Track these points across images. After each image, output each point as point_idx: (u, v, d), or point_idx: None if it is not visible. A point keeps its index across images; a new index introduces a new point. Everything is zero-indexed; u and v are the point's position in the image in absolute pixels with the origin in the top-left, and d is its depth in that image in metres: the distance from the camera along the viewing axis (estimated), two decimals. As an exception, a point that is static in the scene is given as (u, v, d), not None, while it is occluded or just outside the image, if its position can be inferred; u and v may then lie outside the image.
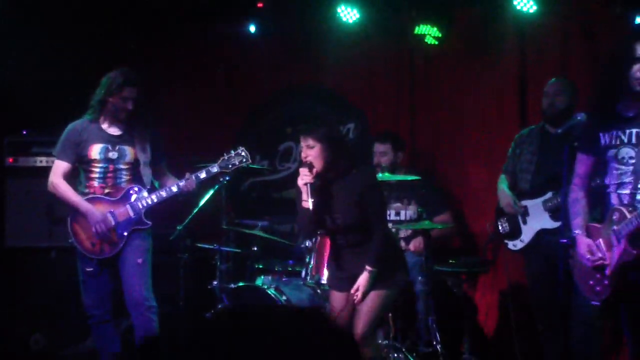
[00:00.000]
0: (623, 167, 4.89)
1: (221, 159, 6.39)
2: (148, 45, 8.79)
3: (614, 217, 4.85)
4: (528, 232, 6.54)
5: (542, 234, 6.43)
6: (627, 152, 4.88)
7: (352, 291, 5.56)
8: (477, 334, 7.79)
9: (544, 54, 7.68)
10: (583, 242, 4.99)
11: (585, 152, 5.09)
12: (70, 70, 7.90)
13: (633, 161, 4.84)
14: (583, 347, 6.18)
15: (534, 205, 6.50)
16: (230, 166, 6.39)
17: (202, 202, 6.87)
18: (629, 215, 4.77)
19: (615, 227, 4.82)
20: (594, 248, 4.94)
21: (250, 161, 6.47)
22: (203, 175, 6.37)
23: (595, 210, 5.16)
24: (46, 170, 6.57)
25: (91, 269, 6.27)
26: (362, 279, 5.53)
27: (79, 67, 7.92)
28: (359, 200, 5.56)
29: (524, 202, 6.56)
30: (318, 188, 5.62)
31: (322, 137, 5.57)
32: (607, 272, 4.86)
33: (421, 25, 7.86)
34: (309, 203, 5.55)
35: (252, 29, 8.50)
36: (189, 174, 6.34)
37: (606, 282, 4.88)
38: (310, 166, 5.57)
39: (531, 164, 6.61)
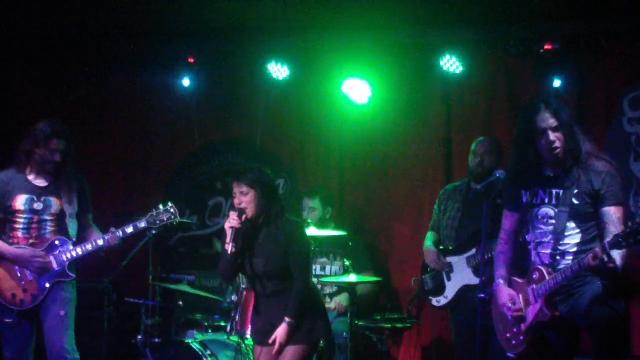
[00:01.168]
0: (542, 226, 4.97)
1: (149, 214, 6.37)
2: (75, 95, 8.77)
3: (534, 276, 4.92)
4: (451, 289, 6.61)
5: (465, 290, 6.49)
6: (546, 211, 4.97)
7: (269, 341, 5.56)
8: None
9: (469, 113, 7.83)
10: (504, 292, 5.06)
11: (509, 208, 5.17)
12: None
13: (552, 221, 4.92)
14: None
15: (458, 261, 6.58)
16: (158, 222, 6.37)
17: (130, 256, 6.84)
18: (547, 276, 4.85)
19: (533, 286, 4.90)
20: (516, 299, 5.01)
21: (178, 218, 6.44)
22: (130, 229, 6.33)
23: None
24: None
25: (10, 320, 6.17)
26: (281, 330, 5.54)
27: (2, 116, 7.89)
28: (283, 250, 5.60)
29: (449, 259, 6.63)
30: (244, 232, 5.65)
31: (256, 183, 5.61)
32: (522, 327, 4.94)
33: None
34: (230, 247, 5.59)
35: (186, 82, 8.51)
36: (113, 228, 6.31)
37: (521, 337, 4.96)
38: (241, 212, 5.61)
39: (455, 220, 6.69)
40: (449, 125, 7.98)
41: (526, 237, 5.12)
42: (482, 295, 4.98)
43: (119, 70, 8.69)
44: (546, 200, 4.97)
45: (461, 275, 6.55)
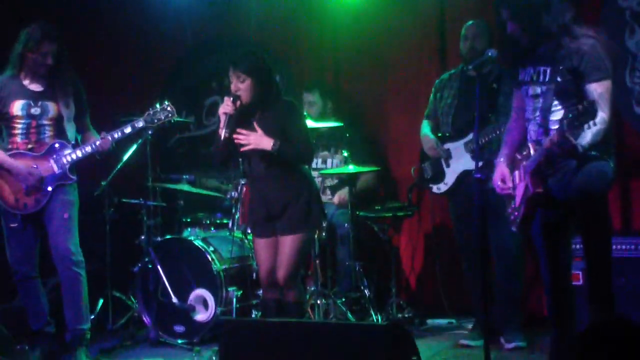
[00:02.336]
0: (532, 103, 4.99)
1: (147, 113, 6.36)
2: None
3: (524, 153, 4.97)
4: (451, 175, 6.61)
5: (464, 175, 6.49)
6: (534, 89, 4.97)
7: (242, 135, 5.60)
8: (404, 277, 7.92)
9: (464, 1, 7.70)
10: (498, 171, 5.10)
11: (515, 86, 5.18)
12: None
13: (540, 99, 4.93)
14: (504, 283, 6.32)
15: (456, 147, 6.57)
16: (156, 121, 6.36)
17: (125, 157, 6.86)
18: (533, 152, 4.88)
19: (524, 163, 4.93)
20: (507, 178, 5.05)
21: (176, 116, 6.43)
22: (128, 129, 6.33)
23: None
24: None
25: (15, 225, 6.22)
26: (260, 137, 5.58)
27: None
28: (279, 128, 5.63)
29: (447, 146, 6.62)
30: (238, 117, 5.64)
31: (253, 70, 5.59)
32: (517, 202, 4.98)
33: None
34: (223, 132, 5.59)
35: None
36: (104, 133, 6.29)
37: (516, 212, 5.01)
38: (235, 97, 5.59)
39: (452, 107, 6.66)
40: (443, 14, 7.87)
41: (525, 114, 5.14)
42: (479, 175, 4.95)
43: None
44: (534, 78, 4.98)
45: (460, 160, 6.55)
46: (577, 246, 6.00)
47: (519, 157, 5.05)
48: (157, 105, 6.37)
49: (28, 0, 8.21)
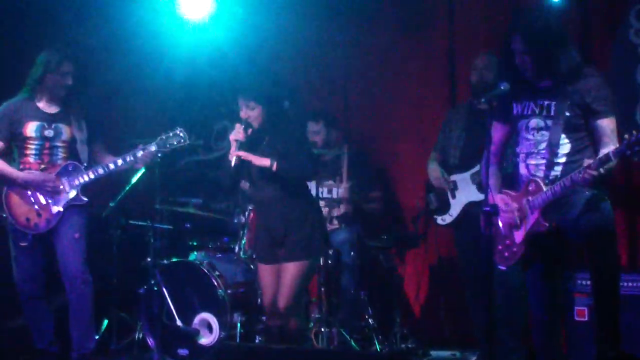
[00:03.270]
0: (532, 137, 5.02)
1: (159, 138, 6.42)
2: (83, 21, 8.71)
3: (530, 188, 4.98)
4: (456, 206, 6.64)
5: (470, 206, 6.51)
6: (537, 122, 5.01)
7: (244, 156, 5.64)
8: (408, 307, 7.91)
9: (472, 30, 7.75)
10: (497, 198, 5.14)
11: (500, 120, 5.23)
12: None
13: (544, 132, 4.97)
14: (506, 314, 6.31)
15: (463, 179, 6.60)
16: (168, 145, 6.43)
17: (134, 179, 6.89)
18: (543, 188, 4.90)
19: (530, 198, 4.95)
20: (509, 201, 5.11)
21: (187, 141, 6.50)
22: (140, 153, 6.38)
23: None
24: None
25: (25, 244, 6.26)
26: (260, 159, 5.64)
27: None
28: (283, 151, 5.67)
29: (453, 177, 6.65)
30: (248, 144, 5.68)
31: (263, 98, 5.64)
32: (517, 239, 5.00)
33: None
34: (233, 158, 5.63)
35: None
36: (142, 145, 6.40)
37: (515, 249, 5.03)
38: (247, 125, 5.64)
39: (460, 139, 6.69)
40: (452, 43, 7.91)
41: (516, 149, 5.20)
42: (487, 208, 4.98)
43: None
44: (537, 112, 5.02)
45: (466, 192, 6.58)
46: (583, 282, 6.05)
47: (512, 193, 5.09)
48: (170, 131, 6.43)
49: (37, 27, 8.25)
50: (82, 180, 6.29)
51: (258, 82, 5.79)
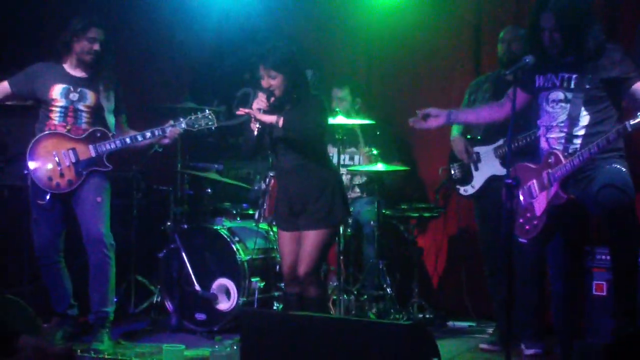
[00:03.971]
0: (552, 109, 5.03)
1: (189, 117, 6.46)
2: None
3: (550, 160, 4.98)
4: (479, 178, 6.60)
5: (492, 180, 6.48)
6: (557, 95, 5.00)
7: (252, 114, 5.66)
8: (426, 278, 7.92)
9: (498, 4, 7.70)
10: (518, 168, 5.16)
11: (521, 87, 5.25)
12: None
13: (563, 104, 4.97)
14: (524, 289, 6.30)
15: (486, 152, 6.56)
16: (196, 126, 6.47)
17: (156, 145, 6.88)
18: (563, 160, 4.90)
19: (549, 170, 4.95)
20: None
21: (215, 125, 6.54)
22: (169, 130, 6.42)
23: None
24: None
25: (44, 202, 6.27)
26: (266, 116, 5.65)
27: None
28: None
29: (477, 149, 6.61)
30: (271, 112, 5.68)
31: (284, 66, 5.64)
32: (538, 212, 4.99)
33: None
34: (255, 127, 5.63)
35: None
36: (172, 121, 6.43)
37: (536, 221, 5.02)
38: (270, 93, 5.64)
39: None
40: (478, 15, 7.86)
41: (537, 121, 5.20)
42: (510, 180, 4.95)
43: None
44: (558, 84, 5.05)
45: (489, 165, 6.54)
46: (602, 257, 6.02)
47: (533, 166, 5.09)
48: (199, 112, 6.50)
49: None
50: (108, 147, 6.30)
51: (280, 51, 5.75)
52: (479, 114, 5.65)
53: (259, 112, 5.64)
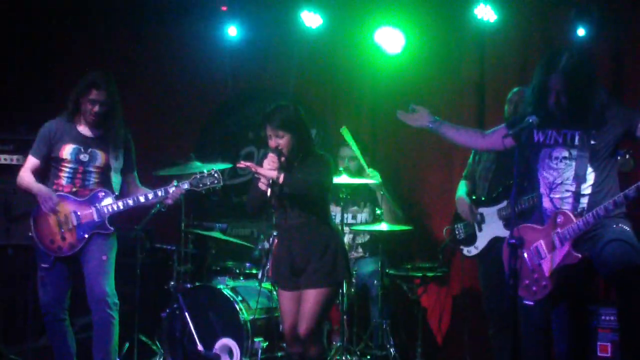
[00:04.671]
0: (555, 168, 5.01)
1: (193, 176, 6.40)
2: (106, 46, 8.81)
3: (558, 220, 4.95)
4: (482, 239, 6.60)
5: (495, 241, 6.47)
6: (561, 152, 5.00)
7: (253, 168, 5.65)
8: (430, 338, 7.88)
9: (503, 62, 7.77)
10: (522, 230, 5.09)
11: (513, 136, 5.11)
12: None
13: (568, 162, 4.96)
14: (531, 351, 6.25)
15: (490, 213, 6.56)
16: (201, 185, 6.40)
17: (159, 205, 6.88)
18: (574, 220, 4.87)
19: (559, 230, 4.92)
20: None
21: (221, 183, 6.45)
22: (172, 190, 6.37)
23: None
24: (3, 168, 6.59)
25: (47, 266, 6.27)
26: (267, 171, 5.62)
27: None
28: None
29: (481, 210, 6.62)
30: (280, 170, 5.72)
31: (290, 125, 5.67)
32: (547, 273, 4.96)
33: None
34: (266, 189, 5.63)
35: (232, 31, 8.54)
36: (175, 181, 6.38)
37: (544, 282, 4.99)
38: (279, 153, 5.66)
39: (489, 171, 6.66)
40: (482, 75, 7.93)
41: (538, 178, 5.15)
42: (513, 241, 4.95)
43: (153, 21, 8.72)
44: (560, 141, 5.01)
45: (492, 226, 6.53)
46: (607, 317, 6.00)
47: (539, 227, 5.06)
48: (205, 171, 6.43)
49: (69, 49, 8.36)
50: (111, 209, 6.30)
51: (286, 110, 5.79)
52: (459, 134, 5.52)
53: (260, 167, 5.66)
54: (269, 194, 5.64)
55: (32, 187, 6.29)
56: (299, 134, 5.71)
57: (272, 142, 5.70)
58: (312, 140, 5.92)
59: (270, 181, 5.61)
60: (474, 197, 6.70)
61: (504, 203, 6.42)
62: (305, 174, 5.66)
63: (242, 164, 5.74)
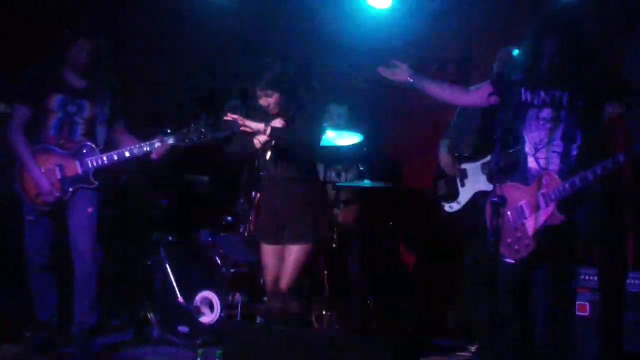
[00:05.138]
0: (542, 129, 4.99)
1: (179, 131, 6.32)
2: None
3: (544, 181, 4.94)
4: (465, 195, 6.61)
5: (478, 195, 6.48)
6: (548, 113, 4.98)
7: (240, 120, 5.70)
8: (410, 294, 7.89)
9: (492, 23, 7.72)
10: (506, 188, 5.09)
11: (497, 92, 5.12)
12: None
13: (555, 123, 4.94)
14: (508, 310, 6.27)
15: (473, 167, 6.57)
16: (187, 140, 6.33)
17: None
18: (559, 181, 4.86)
19: (544, 191, 4.92)
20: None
21: (208, 136, 6.37)
22: (157, 145, 6.31)
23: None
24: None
25: (32, 218, 6.25)
26: (253, 123, 5.71)
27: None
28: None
29: (464, 165, 6.62)
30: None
31: (279, 84, 5.73)
32: (530, 232, 4.96)
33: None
34: (258, 141, 5.63)
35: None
36: (161, 136, 6.30)
37: (527, 241, 4.99)
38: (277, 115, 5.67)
39: (474, 126, 6.66)
40: (469, 36, 7.89)
41: (524, 137, 5.13)
42: (495, 199, 4.95)
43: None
44: (549, 101, 4.98)
45: (475, 181, 6.54)
46: (586, 277, 6.02)
47: (523, 186, 5.06)
48: (192, 124, 6.34)
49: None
50: (95, 163, 6.25)
51: (273, 70, 5.81)
52: (441, 89, 5.47)
53: (246, 120, 5.66)
54: (257, 146, 5.65)
55: (29, 168, 6.19)
56: (289, 92, 5.72)
57: (262, 101, 5.74)
58: (303, 97, 5.91)
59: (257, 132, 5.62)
60: (456, 154, 6.69)
61: (488, 157, 6.40)
62: (295, 129, 5.67)
63: (229, 116, 5.73)
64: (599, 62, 4.95)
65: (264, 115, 5.78)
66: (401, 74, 5.51)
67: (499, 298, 6.01)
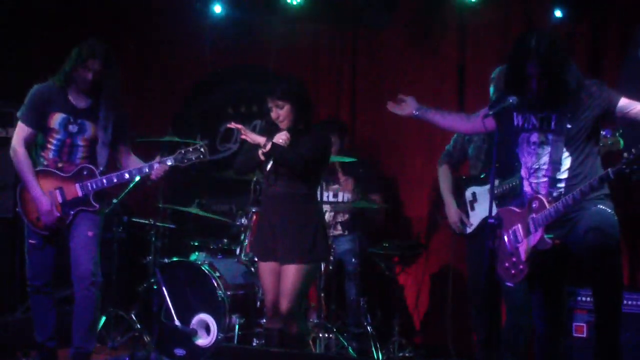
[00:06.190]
0: (533, 153, 4.99)
1: (178, 152, 6.21)
2: (86, 16, 8.75)
3: (534, 205, 4.96)
4: (475, 218, 6.54)
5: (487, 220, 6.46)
6: (538, 137, 4.99)
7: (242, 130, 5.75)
8: (407, 316, 7.90)
9: (483, 43, 7.77)
10: (502, 211, 5.15)
11: (501, 124, 5.12)
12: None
13: (544, 147, 4.95)
14: (511, 332, 6.26)
15: (482, 192, 6.54)
16: (185, 161, 6.22)
17: (137, 178, 6.84)
18: (547, 205, 4.88)
19: (533, 215, 4.93)
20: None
21: (207, 157, 6.26)
22: (156, 166, 6.23)
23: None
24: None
25: (34, 242, 6.20)
26: (255, 135, 5.74)
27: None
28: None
29: (473, 189, 6.57)
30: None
31: (291, 95, 5.74)
32: (523, 257, 4.98)
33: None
34: (262, 153, 5.71)
35: (218, 9, 8.52)
36: (159, 157, 6.23)
37: (521, 266, 5.01)
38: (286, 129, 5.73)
39: (481, 150, 6.61)
40: (463, 55, 7.92)
41: (521, 161, 5.13)
42: (492, 220, 4.96)
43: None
44: (537, 125, 4.98)
45: (484, 206, 6.51)
46: (583, 298, 6.03)
47: (518, 210, 5.08)
48: (191, 146, 6.24)
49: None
50: (95, 186, 6.20)
51: (287, 82, 5.85)
52: (445, 119, 5.54)
53: (248, 131, 5.71)
54: (261, 158, 5.69)
55: (30, 188, 6.12)
56: (299, 106, 5.74)
57: (274, 114, 5.75)
58: (310, 113, 5.94)
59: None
60: (463, 177, 6.69)
61: (496, 182, 6.40)
62: (299, 146, 5.68)
63: (233, 124, 5.77)
64: (586, 84, 4.95)
65: (277, 131, 5.79)
66: (408, 107, 5.60)
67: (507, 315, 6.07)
